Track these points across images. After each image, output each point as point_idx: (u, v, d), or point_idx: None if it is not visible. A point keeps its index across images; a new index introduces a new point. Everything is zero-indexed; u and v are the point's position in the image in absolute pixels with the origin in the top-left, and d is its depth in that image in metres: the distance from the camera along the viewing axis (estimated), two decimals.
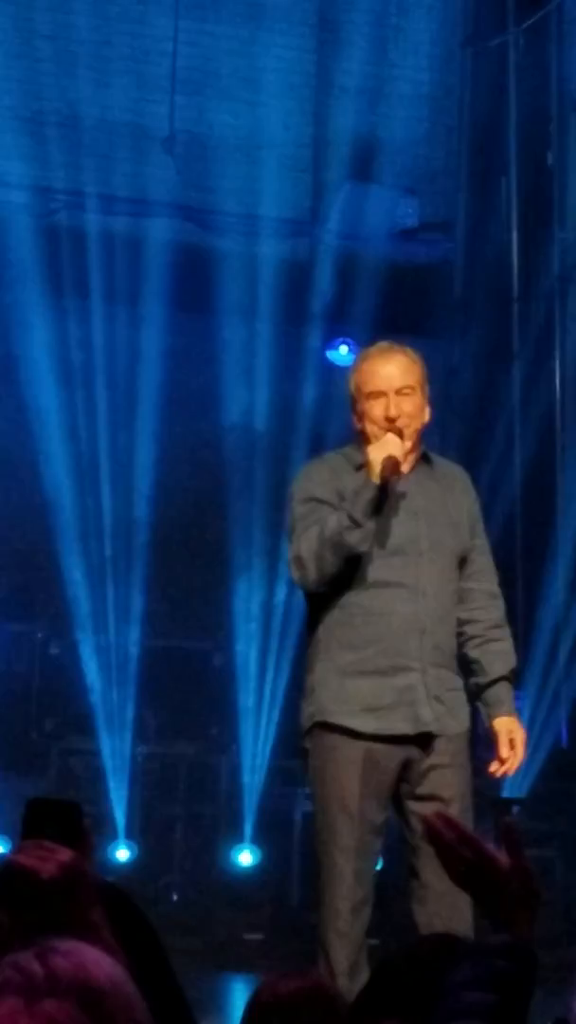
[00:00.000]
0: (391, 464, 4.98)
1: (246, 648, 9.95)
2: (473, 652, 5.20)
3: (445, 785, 5.06)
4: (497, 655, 5.20)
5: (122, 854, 9.21)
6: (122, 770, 9.39)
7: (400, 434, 5.05)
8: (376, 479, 4.98)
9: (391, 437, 5.03)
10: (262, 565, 10.03)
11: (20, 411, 9.99)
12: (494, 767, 5.17)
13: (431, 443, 5.45)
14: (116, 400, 10.26)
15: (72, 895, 2.31)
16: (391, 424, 5.06)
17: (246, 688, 9.81)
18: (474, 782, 5.28)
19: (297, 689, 5.44)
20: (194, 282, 10.21)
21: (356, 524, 4.95)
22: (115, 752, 9.43)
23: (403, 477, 5.11)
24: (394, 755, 5.04)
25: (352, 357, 10.30)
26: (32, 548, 10.11)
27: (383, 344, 5.25)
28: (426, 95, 11.17)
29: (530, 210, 10.36)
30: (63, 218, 10.46)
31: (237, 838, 9.28)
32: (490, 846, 2.25)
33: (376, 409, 5.08)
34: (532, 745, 9.40)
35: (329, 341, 10.45)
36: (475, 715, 5.29)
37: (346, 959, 4.90)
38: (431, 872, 4.84)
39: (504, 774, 5.25)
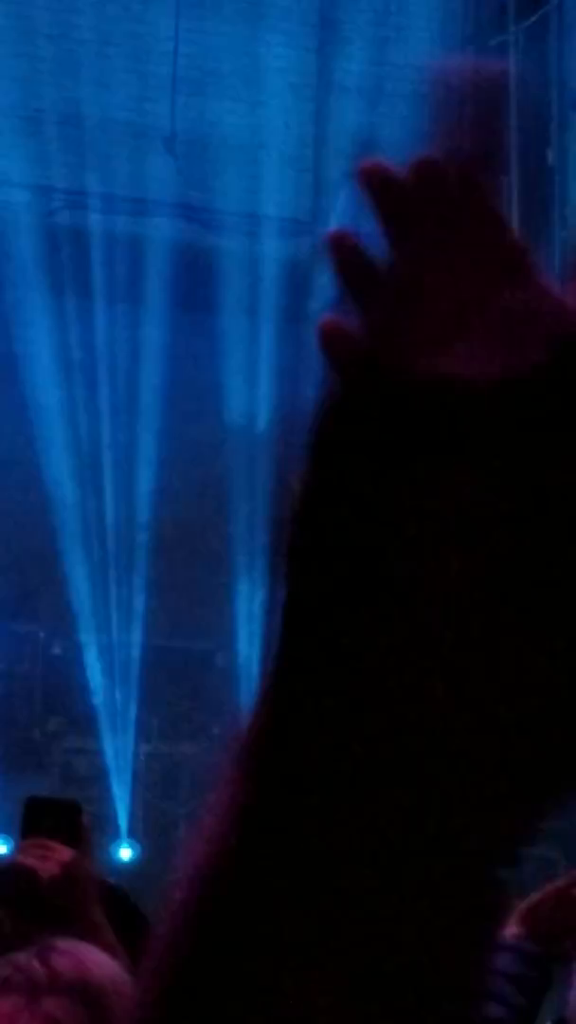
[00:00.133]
0: None
1: (248, 648, 9.95)
2: None
3: None
4: None
5: (125, 853, 9.22)
6: (125, 770, 9.39)
7: None
8: None
9: None
10: (264, 565, 10.01)
11: (22, 411, 9.99)
12: None
13: None
14: (118, 400, 10.26)
15: (73, 894, 2.31)
16: None
17: (249, 688, 9.81)
18: None
19: None
20: (195, 281, 10.21)
21: None
22: (118, 752, 9.44)
23: None
24: None
25: None
26: (35, 549, 10.11)
27: None
28: (427, 94, 11.15)
29: (531, 209, 10.35)
30: (64, 217, 10.46)
31: None
32: None
33: None
34: None
35: None
36: None
37: None
38: None
39: None
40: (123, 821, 9.26)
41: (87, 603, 9.91)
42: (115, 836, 9.19)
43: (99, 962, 1.68)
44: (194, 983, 0.46)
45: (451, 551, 0.44)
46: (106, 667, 9.76)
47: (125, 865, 9.12)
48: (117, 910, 2.48)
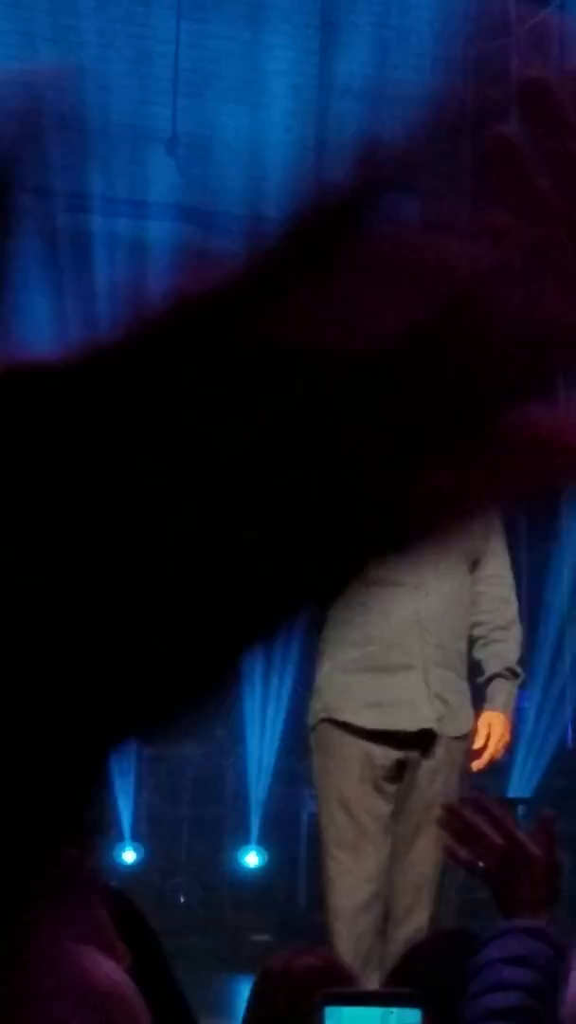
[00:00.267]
0: None
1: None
2: (477, 653, 5.24)
3: (434, 786, 5.10)
4: (495, 654, 5.23)
5: (128, 856, 9.22)
6: (128, 772, 9.39)
7: None
8: None
9: None
10: None
11: None
12: (474, 762, 5.21)
13: None
14: None
15: (75, 894, 2.31)
16: None
17: (251, 689, 9.82)
18: (479, 781, 5.31)
19: (303, 690, 5.47)
20: None
21: None
22: (120, 753, 9.44)
23: None
24: (393, 751, 5.08)
25: None
26: None
27: None
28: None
29: None
30: (65, 220, 10.47)
31: (243, 839, 9.29)
32: (521, 834, 2.26)
33: None
34: (537, 745, 9.42)
35: None
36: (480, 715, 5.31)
37: (350, 959, 4.91)
38: (404, 859, 4.94)
39: (478, 768, 5.27)
40: (126, 823, 9.26)
41: None
42: (119, 838, 9.19)
43: (99, 965, 1.69)
44: None
45: None
46: None
47: (129, 867, 9.13)
48: (118, 913, 2.48)
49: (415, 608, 5.11)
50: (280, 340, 0.47)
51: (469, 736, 5.23)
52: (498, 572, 5.31)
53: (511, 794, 9.05)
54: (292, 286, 0.48)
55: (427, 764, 5.11)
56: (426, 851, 5.12)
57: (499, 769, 5.33)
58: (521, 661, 5.34)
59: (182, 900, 9.24)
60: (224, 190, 10.66)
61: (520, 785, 9.06)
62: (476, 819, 2.28)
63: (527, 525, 9.94)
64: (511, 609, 5.31)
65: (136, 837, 9.29)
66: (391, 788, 5.10)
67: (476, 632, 5.24)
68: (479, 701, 5.26)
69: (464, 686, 5.23)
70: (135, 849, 9.25)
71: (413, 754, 5.09)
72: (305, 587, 0.48)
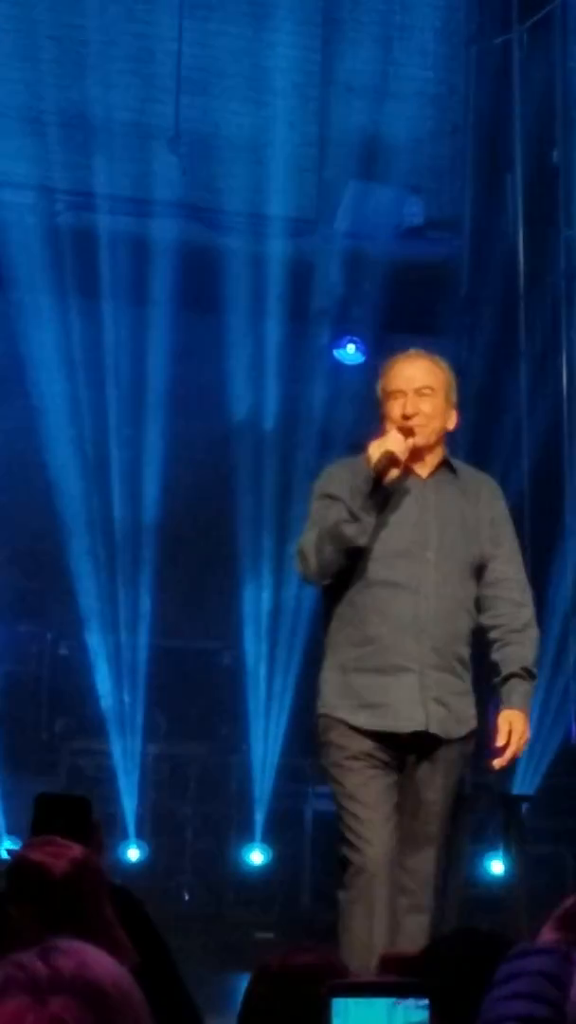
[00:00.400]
0: (388, 460, 5.01)
1: (255, 647, 9.96)
2: (494, 655, 5.25)
3: (433, 786, 5.11)
4: (511, 655, 5.23)
5: (133, 854, 9.22)
6: (132, 770, 9.39)
7: (410, 432, 5.10)
8: (372, 474, 5.03)
9: (394, 434, 5.09)
10: (271, 564, 10.03)
11: (28, 412, 10.00)
12: (495, 760, 5.21)
13: None
14: (123, 400, 10.27)
15: (83, 891, 2.32)
16: (405, 421, 5.12)
17: (256, 687, 9.81)
18: (484, 779, 5.31)
19: (307, 687, 5.48)
20: (200, 281, 10.21)
21: (354, 518, 5.01)
22: (125, 752, 9.44)
23: (422, 481, 5.18)
24: (392, 750, 5.09)
25: (359, 356, 10.35)
26: (41, 549, 10.12)
27: (412, 350, 5.36)
28: (431, 93, 11.17)
29: (536, 207, 10.35)
30: (69, 218, 10.47)
31: (248, 837, 9.29)
32: None
33: (395, 408, 5.17)
34: (541, 742, 9.41)
35: (336, 340, 10.45)
36: (486, 715, 5.31)
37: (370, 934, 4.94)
38: (405, 860, 4.95)
39: (501, 767, 5.27)
40: (131, 822, 9.26)
41: (94, 604, 9.92)
42: (123, 837, 9.19)
43: (101, 961, 1.68)
44: None
45: None
46: (113, 668, 9.76)
47: (133, 866, 9.13)
48: (122, 911, 2.48)
49: (414, 611, 5.12)
50: None
51: (470, 736, 5.24)
52: (509, 576, 5.30)
53: (515, 791, 9.04)
54: None
55: (425, 765, 5.12)
56: (427, 852, 5.12)
57: (503, 767, 5.32)
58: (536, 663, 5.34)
59: (186, 898, 9.24)
60: (227, 187, 10.66)
61: (524, 782, 9.06)
62: None
63: (530, 521, 9.96)
64: (525, 612, 5.30)
65: (140, 835, 9.29)
66: (394, 777, 5.11)
67: (492, 636, 5.25)
68: (482, 701, 5.27)
69: (466, 688, 5.24)
70: (139, 847, 9.25)
71: (410, 755, 5.11)
72: None
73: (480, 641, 5.32)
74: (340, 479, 5.20)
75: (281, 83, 10.82)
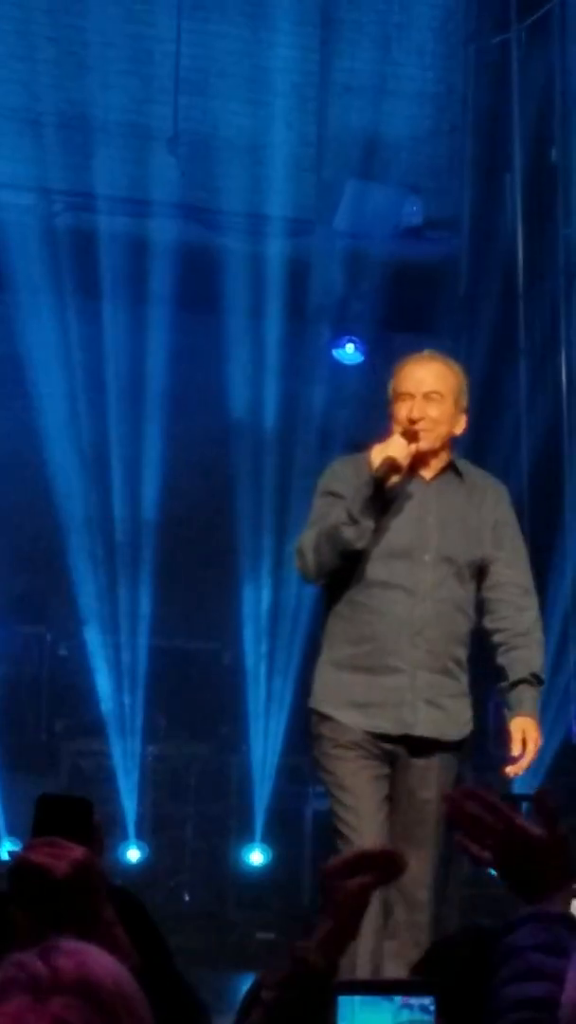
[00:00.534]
0: (389, 464, 5.01)
1: (255, 647, 9.96)
2: (499, 660, 5.24)
3: (427, 786, 5.11)
4: (517, 660, 5.22)
5: (133, 854, 9.22)
6: (132, 770, 9.39)
7: (415, 437, 5.09)
8: (373, 478, 5.02)
9: (397, 439, 5.08)
10: (270, 564, 10.03)
11: (27, 412, 10.00)
12: (509, 767, 5.21)
13: None
14: (122, 400, 10.27)
15: (84, 892, 2.31)
16: (410, 425, 5.11)
17: (255, 687, 9.81)
18: (484, 778, 5.32)
19: (307, 687, 5.49)
20: (199, 282, 10.21)
21: (353, 521, 5.00)
22: (125, 752, 9.44)
23: (425, 484, 5.18)
24: (382, 749, 5.09)
25: (358, 355, 10.36)
26: (40, 550, 10.12)
27: (425, 351, 5.33)
28: (429, 93, 11.17)
29: (534, 206, 10.35)
30: (68, 219, 10.47)
31: (248, 837, 9.29)
32: (520, 817, 2.23)
33: (402, 411, 5.15)
34: (542, 742, 9.39)
35: (335, 339, 10.45)
36: (485, 714, 5.32)
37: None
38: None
39: (515, 773, 5.28)
40: (131, 822, 9.26)
41: (93, 604, 9.92)
42: (123, 837, 9.19)
43: (101, 962, 1.69)
44: None
45: None
46: (113, 668, 9.76)
47: (133, 866, 9.13)
48: (122, 912, 2.48)
49: (410, 612, 5.11)
50: None
51: (470, 738, 5.25)
52: (512, 580, 5.29)
53: (516, 791, 9.04)
54: None
55: (420, 765, 5.11)
56: (422, 852, 5.12)
57: (517, 774, 5.33)
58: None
59: (186, 898, 9.24)
60: (225, 187, 10.66)
61: (525, 782, 9.05)
62: (475, 809, 2.25)
63: (529, 519, 9.96)
64: (529, 615, 5.29)
65: (140, 835, 9.29)
66: (385, 770, 5.12)
67: (495, 639, 5.24)
68: (481, 701, 5.27)
69: (462, 689, 5.23)
70: (139, 847, 9.25)
71: (401, 750, 5.11)
72: None
73: (479, 643, 5.31)
74: (344, 477, 5.20)
75: (280, 83, 10.82)
